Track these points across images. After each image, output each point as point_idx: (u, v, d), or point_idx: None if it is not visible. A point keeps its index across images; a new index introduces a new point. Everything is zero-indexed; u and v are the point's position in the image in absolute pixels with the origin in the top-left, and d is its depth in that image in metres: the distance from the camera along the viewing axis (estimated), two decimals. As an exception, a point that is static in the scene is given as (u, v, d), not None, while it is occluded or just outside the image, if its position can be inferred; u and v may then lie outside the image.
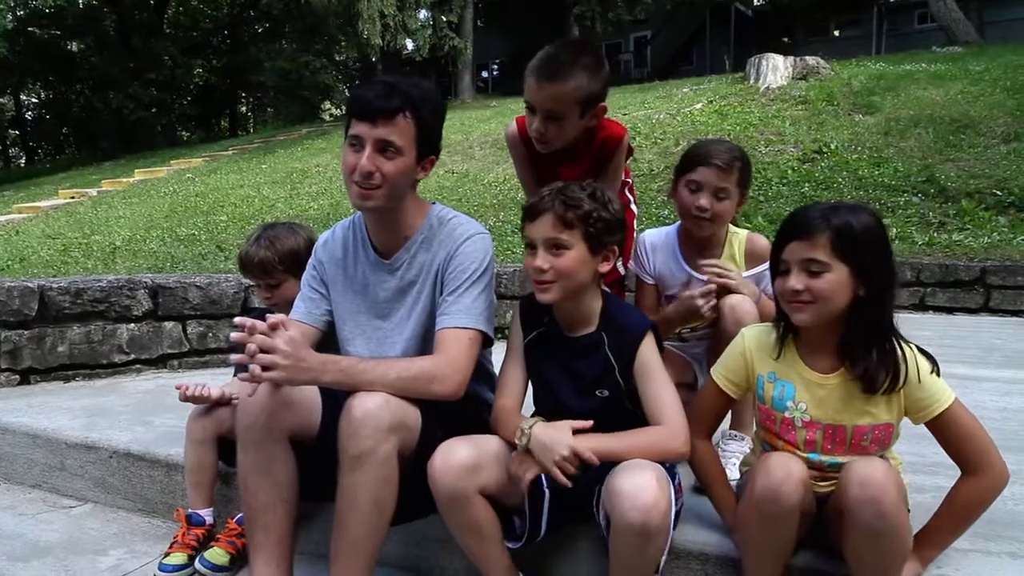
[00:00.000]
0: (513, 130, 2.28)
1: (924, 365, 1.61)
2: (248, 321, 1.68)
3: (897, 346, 1.60)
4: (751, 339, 1.76)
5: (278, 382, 1.71)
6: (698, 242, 2.25)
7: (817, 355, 1.67)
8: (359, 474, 1.70)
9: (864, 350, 1.59)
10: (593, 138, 2.16)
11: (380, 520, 1.74)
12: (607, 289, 1.94)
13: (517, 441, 1.67)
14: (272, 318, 1.70)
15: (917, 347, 1.64)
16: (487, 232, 2.02)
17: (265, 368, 1.65)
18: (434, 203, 2.05)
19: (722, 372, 1.79)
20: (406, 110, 1.81)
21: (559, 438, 1.62)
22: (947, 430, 1.61)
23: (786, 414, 1.69)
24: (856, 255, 1.55)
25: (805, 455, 1.67)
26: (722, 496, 1.80)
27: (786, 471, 1.50)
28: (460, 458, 1.67)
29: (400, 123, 1.81)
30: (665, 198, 8.11)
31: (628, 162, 2.33)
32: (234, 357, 1.72)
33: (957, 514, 1.62)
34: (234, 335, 1.68)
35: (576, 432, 1.65)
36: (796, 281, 1.57)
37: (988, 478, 1.61)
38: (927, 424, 1.63)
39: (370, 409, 1.70)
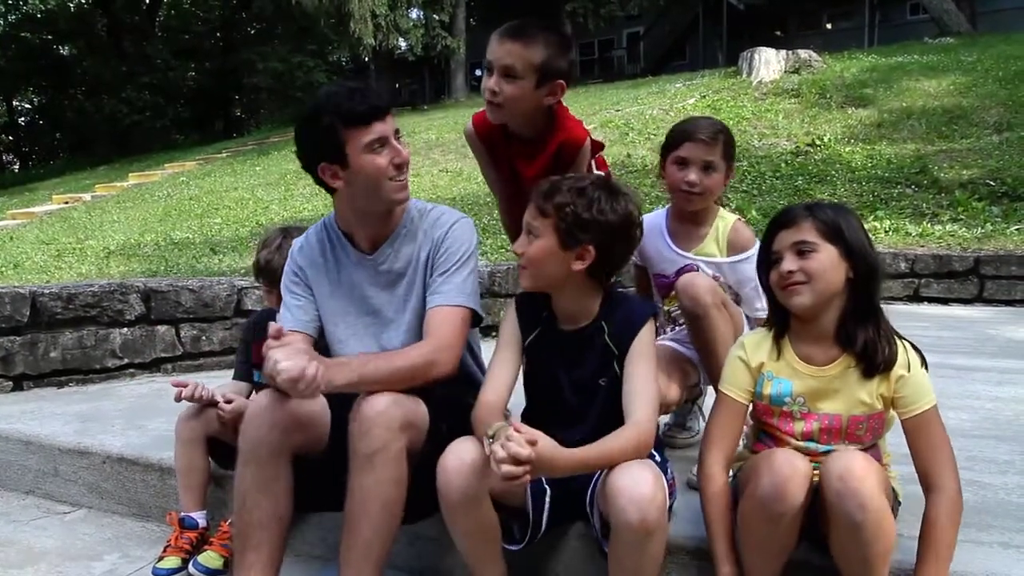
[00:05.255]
0: (470, 127, 2.29)
1: (915, 358, 1.65)
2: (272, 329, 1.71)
3: (890, 333, 1.65)
4: (748, 344, 1.78)
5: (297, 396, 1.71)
6: (687, 219, 2.26)
7: (814, 348, 1.68)
8: (370, 474, 1.70)
9: (862, 326, 1.63)
10: (553, 136, 2.15)
11: (391, 521, 1.74)
12: None
13: (484, 441, 1.57)
14: (274, 326, 1.72)
15: (909, 342, 1.68)
16: (469, 217, 2.07)
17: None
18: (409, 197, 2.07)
19: (728, 383, 1.77)
20: (391, 101, 1.95)
21: (494, 448, 1.49)
22: (925, 432, 1.61)
23: (784, 408, 1.70)
24: (841, 238, 1.62)
25: (803, 444, 1.68)
26: (721, 540, 1.67)
27: (792, 468, 1.49)
28: (472, 458, 1.63)
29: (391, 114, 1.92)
30: (660, 192, 8.12)
31: (600, 153, 2.33)
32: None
33: (942, 542, 1.53)
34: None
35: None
36: (789, 263, 1.62)
37: (954, 492, 1.57)
38: (907, 422, 1.63)
39: (381, 408, 1.71)
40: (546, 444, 1.49)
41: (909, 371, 1.62)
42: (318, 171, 1.92)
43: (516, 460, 1.43)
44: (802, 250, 1.62)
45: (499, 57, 2.03)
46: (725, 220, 2.25)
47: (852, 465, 1.44)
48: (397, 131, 1.91)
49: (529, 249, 1.74)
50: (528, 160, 2.17)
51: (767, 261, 1.69)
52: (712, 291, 2.04)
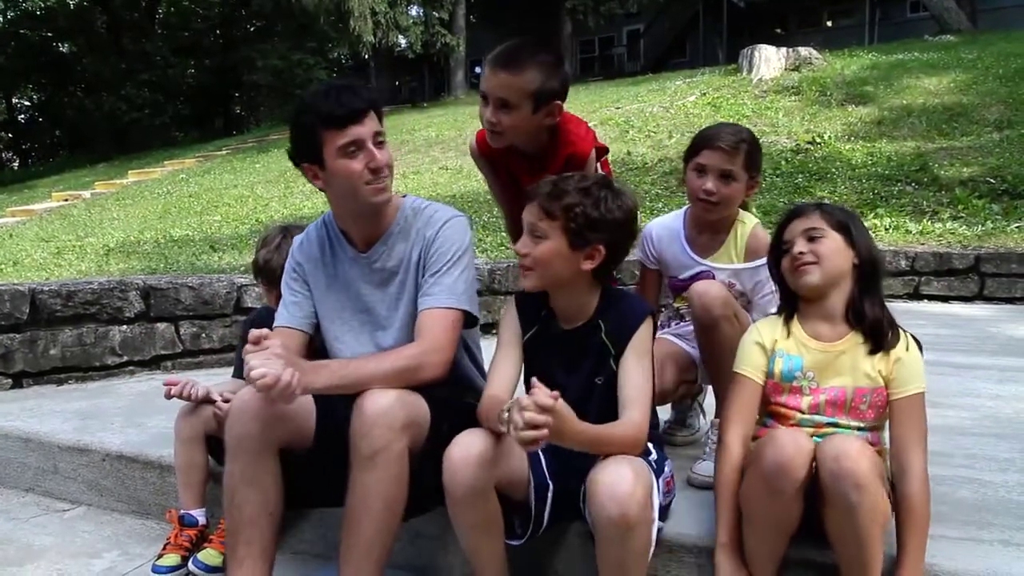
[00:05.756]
0: (473, 146, 2.32)
1: (913, 344, 1.75)
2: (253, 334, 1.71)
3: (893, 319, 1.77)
4: (761, 326, 1.87)
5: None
6: (706, 226, 2.24)
7: (823, 327, 1.78)
8: (372, 473, 1.70)
9: (870, 306, 1.74)
10: (558, 152, 2.15)
11: (392, 520, 1.74)
12: None
13: (501, 426, 1.55)
14: (254, 332, 1.71)
15: (910, 334, 1.77)
16: (463, 215, 2.06)
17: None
18: (405, 195, 2.08)
19: (744, 364, 1.82)
20: (373, 102, 1.89)
21: (519, 397, 1.49)
22: (908, 414, 1.70)
23: (794, 383, 1.77)
24: (847, 229, 1.76)
25: (808, 416, 1.74)
26: (725, 511, 1.71)
27: (796, 446, 1.54)
28: (479, 450, 1.63)
29: (373, 115, 1.89)
30: (660, 191, 8.11)
31: (607, 156, 2.34)
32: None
33: (920, 519, 1.60)
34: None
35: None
36: (800, 246, 1.75)
37: (924, 473, 1.65)
38: (895, 403, 1.71)
39: (383, 407, 1.70)
40: (562, 402, 1.49)
41: (907, 355, 1.72)
42: (302, 169, 1.93)
43: (542, 408, 1.43)
44: (812, 236, 1.75)
45: (493, 89, 2.04)
46: (745, 225, 2.22)
47: (847, 447, 1.50)
48: (379, 133, 1.88)
49: (535, 251, 1.73)
50: (534, 176, 2.17)
51: (778, 251, 1.80)
52: (724, 303, 2.04)
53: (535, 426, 1.42)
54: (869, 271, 1.76)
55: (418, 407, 1.79)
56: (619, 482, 1.51)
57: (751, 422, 1.81)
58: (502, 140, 2.11)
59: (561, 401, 1.48)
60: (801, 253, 1.73)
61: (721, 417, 1.89)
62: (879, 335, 1.72)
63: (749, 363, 1.82)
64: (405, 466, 1.73)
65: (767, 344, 1.81)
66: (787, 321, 1.82)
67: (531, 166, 2.19)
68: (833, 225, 1.75)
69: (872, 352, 1.72)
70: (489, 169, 2.35)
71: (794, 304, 1.82)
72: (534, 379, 1.52)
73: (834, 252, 1.73)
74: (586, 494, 1.64)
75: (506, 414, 1.51)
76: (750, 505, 1.64)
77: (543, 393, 1.45)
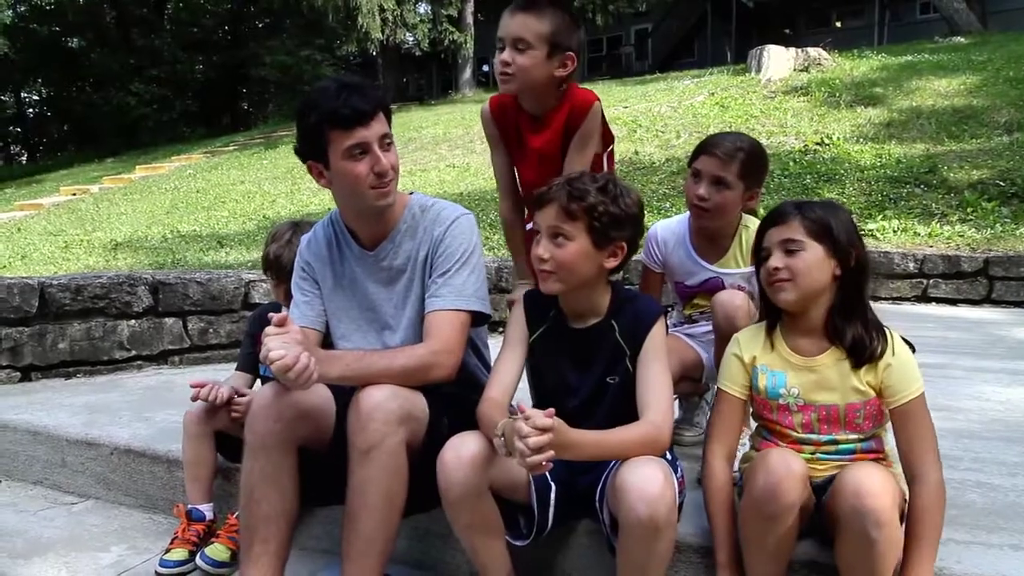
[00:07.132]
0: (486, 107, 2.33)
1: (901, 347, 1.68)
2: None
3: (878, 325, 1.69)
4: (742, 339, 1.81)
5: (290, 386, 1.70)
6: (707, 232, 2.24)
7: (805, 341, 1.72)
8: (369, 468, 1.70)
9: (850, 322, 1.67)
10: (562, 104, 2.17)
11: (392, 514, 1.74)
12: None
13: (495, 440, 1.57)
14: (279, 316, 1.72)
15: (901, 335, 1.71)
16: (471, 212, 2.05)
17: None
18: (412, 192, 2.07)
19: (726, 380, 1.80)
20: (381, 103, 1.88)
21: (518, 425, 1.47)
22: (911, 421, 1.63)
23: (780, 401, 1.72)
24: (828, 236, 1.65)
25: (803, 435, 1.70)
26: (721, 531, 1.70)
27: (786, 468, 1.51)
28: (472, 452, 1.63)
29: (381, 116, 1.88)
30: (668, 191, 8.10)
31: (610, 150, 2.34)
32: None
33: (930, 534, 1.55)
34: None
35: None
36: (776, 260, 1.67)
37: (938, 482, 1.59)
38: (894, 411, 1.65)
39: (379, 401, 1.70)
40: (559, 419, 1.49)
41: (895, 360, 1.65)
42: (308, 167, 1.93)
43: (541, 429, 1.44)
44: (789, 248, 1.66)
45: (510, 30, 2.08)
46: (748, 229, 2.21)
47: (871, 483, 1.44)
48: (385, 136, 1.87)
49: (557, 254, 1.71)
50: (540, 130, 2.21)
51: (758, 257, 1.74)
52: (748, 315, 2.04)
53: (539, 449, 1.42)
54: (852, 282, 1.67)
55: (414, 401, 1.78)
56: (649, 483, 1.49)
57: (734, 439, 1.79)
58: (513, 83, 2.12)
59: (557, 418, 1.48)
60: (776, 269, 1.66)
61: (705, 434, 1.86)
62: (860, 352, 1.65)
63: (729, 377, 1.79)
64: (403, 460, 1.73)
65: (746, 358, 1.76)
66: (769, 331, 1.77)
67: (537, 124, 2.21)
68: (813, 234, 1.65)
69: (855, 367, 1.66)
70: (496, 133, 2.34)
71: (776, 314, 1.76)
72: (521, 404, 1.51)
73: (812, 267, 1.64)
74: (606, 493, 1.64)
75: (500, 437, 1.52)
76: (747, 528, 1.61)
77: (538, 414, 1.45)
